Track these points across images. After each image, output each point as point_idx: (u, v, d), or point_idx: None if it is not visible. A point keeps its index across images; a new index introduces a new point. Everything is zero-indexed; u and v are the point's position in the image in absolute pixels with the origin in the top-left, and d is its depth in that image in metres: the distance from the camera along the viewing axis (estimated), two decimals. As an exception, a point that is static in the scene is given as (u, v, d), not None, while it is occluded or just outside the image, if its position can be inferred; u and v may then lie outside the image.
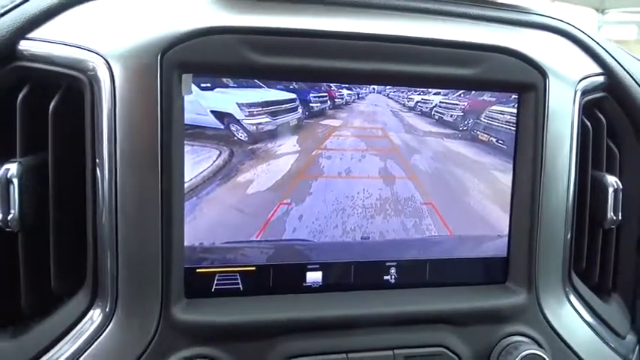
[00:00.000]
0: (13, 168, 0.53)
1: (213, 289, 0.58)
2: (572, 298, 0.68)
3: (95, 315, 0.54)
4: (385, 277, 0.63)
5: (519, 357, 0.59)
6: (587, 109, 0.69)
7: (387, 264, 0.63)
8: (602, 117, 0.71)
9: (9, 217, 0.53)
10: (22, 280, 0.55)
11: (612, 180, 0.70)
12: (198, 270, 0.57)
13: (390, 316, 0.60)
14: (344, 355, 0.57)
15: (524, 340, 0.62)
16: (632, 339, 0.74)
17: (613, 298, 0.75)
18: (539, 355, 0.60)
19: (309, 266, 0.61)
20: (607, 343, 0.69)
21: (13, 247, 0.55)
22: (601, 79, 0.69)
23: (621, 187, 0.70)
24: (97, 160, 0.54)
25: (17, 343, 0.54)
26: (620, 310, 0.74)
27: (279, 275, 0.60)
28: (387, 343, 0.59)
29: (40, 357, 0.54)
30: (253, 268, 0.59)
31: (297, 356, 0.56)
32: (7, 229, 0.53)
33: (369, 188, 0.61)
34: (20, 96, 0.54)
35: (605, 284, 0.74)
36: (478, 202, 0.65)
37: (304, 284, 0.61)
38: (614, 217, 0.70)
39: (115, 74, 0.53)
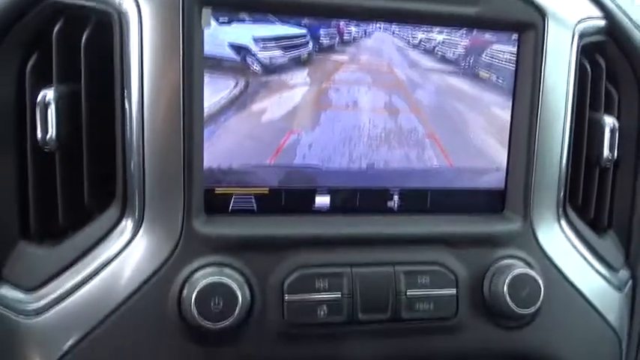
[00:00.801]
0: (50, 94, 0.59)
1: (230, 209, 0.64)
2: (567, 229, 0.72)
3: (124, 227, 0.60)
4: (389, 204, 0.68)
5: (511, 276, 0.64)
6: (587, 52, 0.72)
7: (391, 191, 0.68)
8: (601, 60, 0.74)
9: (47, 137, 0.59)
10: (59, 197, 0.61)
11: (609, 120, 0.73)
12: (216, 191, 0.63)
13: (392, 236, 0.65)
14: (348, 268, 0.63)
15: (518, 263, 0.66)
16: (625, 273, 0.78)
17: (608, 234, 0.79)
18: (531, 275, 0.64)
19: (317, 190, 0.66)
20: (600, 274, 0.74)
21: (51, 166, 0.61)
22: (601, 22, 0.72)
23: (618, 126, 0.74)
24: (125, 90, 0.59)
25: (55, 252, 0.61)
26: (614, 246, 0.78)
27: (290, 198, 0.65)
28: (389, 259, 0.64)
29: (76, 263, 0.60)
30: (266, 191, 0.64)
31: (304, 267, 0.62)
32: (46, 149, 0.60)
33: (375, 120, 0.66)
34: (55, 29, 0.60)
35: (601, 220, 0.78)
36: (478, 137, 0.69)
37: (313, 207, 0.66)
38: (610, 156, 0.74)
39: (141, 9, 0.58)
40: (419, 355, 0.66)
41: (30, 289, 0.60)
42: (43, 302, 0.60)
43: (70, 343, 0.58)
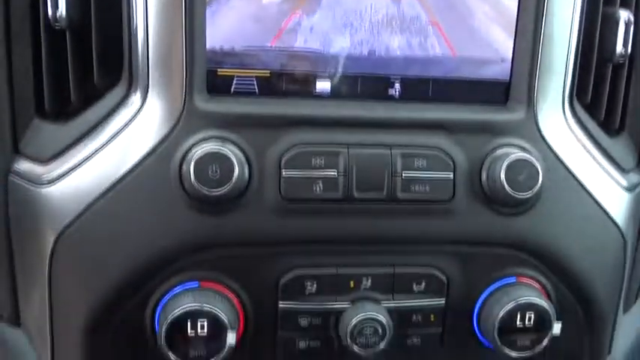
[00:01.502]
0: None
1: (232, 90, 0.65)
2: (573, 124, 0.71)
3: (130, 102, 0.63)
4: (390, 91, 0.68)
5: (509, 160, 0.64)
6: None
7: (392, 79, 0.68)
8: None
9: (57, 14, 0.62)
10: (71, 75, 0.64)
11: (624, 14, 0.71)
12: (219, 72, 0.65)
13: (390, 120, 0.66)
14: (345, 148, 0.64)
15: (518, 150, 0.66)
16: (636, 176, 0.76)
17: (620, 136, 0.77)
18: (529, 160, 0.64)
19: (318, 75, 0.67)
20: (607, 172, 0.73)
21: (63, 45, 0.64)
22: None
23: (633, 21, 0.71)
24: None
25: (67, 127, 0.65)
26: (626, 148, 0.77)
27: (291, 82, 0.66)
28: (386, 141, 0.65)
29: (85, 136, 0.64)
30: (268, 74, 0.66)
31: (302, 144, 0.63)
32: (57, 26, 0.62)
33: (377, 5, 0.66)
34: None
35: (612, 121, 0.76)
36: (483, 25, 0.68)
37: (314, 92, 0.67)
38: (624, 52, 0.72)
39: None
40: (415, 237, 0.67)
41: (44, 161, 0.64)
42: (55, 173, 0.64)
43: (79, 209, 0.62)
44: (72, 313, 0.65)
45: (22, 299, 0.69)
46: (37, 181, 0.64)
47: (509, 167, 0.64)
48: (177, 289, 0.63)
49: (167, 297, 0.63)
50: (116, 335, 0.65)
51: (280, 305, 0.66)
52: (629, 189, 0.75)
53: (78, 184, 0.63)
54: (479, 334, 0.70)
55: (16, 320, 0.70)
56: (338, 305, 0.66)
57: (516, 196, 0.64)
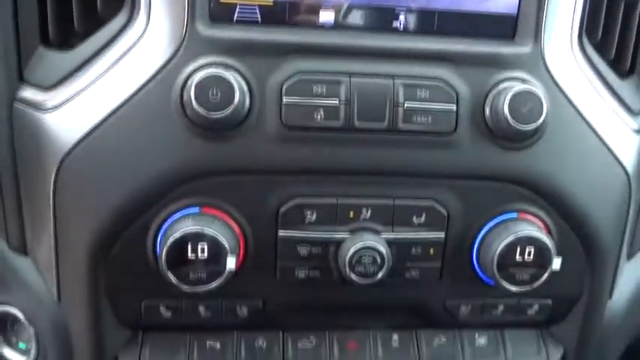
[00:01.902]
0: None
1: (234, 19, 0.65)
2: (581, 61, 0.70)
3: (132, 28, 0.63)
4: (394, 23, 0.67)
5: (513, 92, 0.63)
6: None
7: (397, 10, 0.67)
8: None
9: None
10: (75, 4, 0.65)
11: None
12: (221, 0, 0.64)
13: (394, 50, 0.65)
14: (346, 77, 0.64)
15: (523, 84, 0.65)
16: (645, 120, 0.75)
17: (631, 78, 0.76)
18: (533, 92, 0.63)
19: (322, 5, 0.66)
20: (616, 113, 0.72)
21: None
22: None
23: None
24: None
25: (71, 54, 0.65)
26: (636, 90, 0.75)
27: (294, 11, 0.66)
28: (389, 71, 0.64)
29: (89, 62, 0.64)
30: (271, 2, 0.65)
31: (303, 72, 0.63)
32: None
33: None
34: None
35: (623, 62, 0.75)
36: (491, -43, 0.67)
37: (317, 22, 0.66)
38: None
39: None
40: (415, 169, 0.67)
41: (47, 88, 0.65)
42: (58, 99, 0.64)
43: (81, 135, 0.63)
44: (76, 239, 0.66)
45: (28, 227, 0.71)
46: (41, 108, 0.65)
47: (513, 98, 0.63)
48: (178, 215, 0.64)
49: (168, 222, 0.64)
50: (119, 259, 0.66)
51: (280, 234, 0.66)
52: (638, 131, 0.74)
53: (80, 110, 0.64)
54: (478, 270, 0.70)
55: (23, 249, 0.72)
56: (337, 235, 0.67)
57: (519, 128, 0.63)
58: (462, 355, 0.77)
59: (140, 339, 0.73)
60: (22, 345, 0.77)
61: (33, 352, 0.75)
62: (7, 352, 0.76)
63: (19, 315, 0.74)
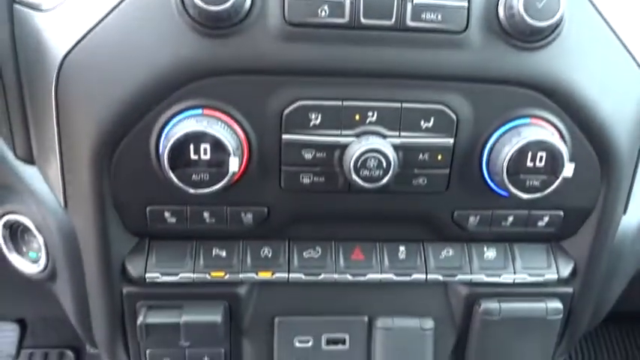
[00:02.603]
0: None
1: None
2: None
3: None
4: None
5: None
6: None
7: None
8: None
9: None
10: None
11: None
12: None
13: None
14: None
15: None
16: None
17: None
18: None
19: None
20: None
21: None
22: None
23: None
24: None
25: None
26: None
27: None
28: None
29: None
30: None
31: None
32: None
33: None
34: None
35: None
36: None
37: None
38: None
39: None
40: (424, 70, 0.64)
41: None
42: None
43: (81, 33, 0.62)
44: (79, 142, 0.66)
45: (33, 136, 0.71)
46: (40, 7, 0.64)
47: None
48: (181, 116, 0.63)
49: (171, 123, 0.63)
50: (123, 163, 0.66)
51: (284, 137, 0.65)
52: None
53: (80, 8, 0.62)
54: (487, 178, 0.68)
55: (30, 158, 0.72)
56: (342, 139, 0.65)
57: (534, 24, 0.60)
58: (469, 267, 0.76)
59: (147, 246, 0.73)
60: (32, 254, 0.78)
61: (43, 260, 0.76)
62: (18, 260, 0.78)
63: (29, 223, 0.74)
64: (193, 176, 0.62)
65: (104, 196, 0.67)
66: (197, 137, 0.61)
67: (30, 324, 1.59)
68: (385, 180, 0.64)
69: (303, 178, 0.67)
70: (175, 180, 0.63)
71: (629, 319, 1.66)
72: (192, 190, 0.63)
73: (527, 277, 0.77)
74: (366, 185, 0.64)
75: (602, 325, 1.68)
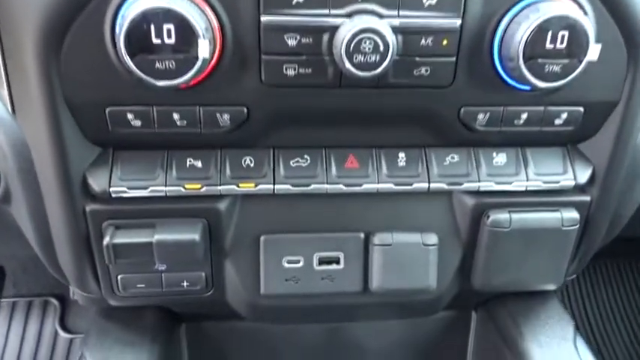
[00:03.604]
0: None
1: None
2: None
3: None
4: None
5: None
6: None
7: None
8: None
9: None
10: None
11: None
12: None
13: None
14: None
15: None
16: None
17: None
18: None
19: None
20: None
21: None
22: None
23: None
24: None
25: None
26: None
27: None
28: None
29: None
30: None
31: None
32: None
33: None
34: None
35: None
36: None
37: None
38: None
39: None
40: None
41: None
42: None
43: None
44: (22, 29, 0.55)
45: None
46: None
47: None
48: (138, -7, 0.53)
49: (127, 2, 0.53)
50: (74, 53, 0.56)
51: (262, 18, 0.55)
52: None
53: None
54: (499, 66, 0.59)
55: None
56: (332, 19, 0.55)
57: None
58: (477, 174, 0.68)
59: (111, 156, 0.64)
60: (-17, 175, 0.69)
61: (-5, 179, 0.67)
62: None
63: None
64: (157, 64, 0.53)
65: (55, 96, 0.58)
66: (158, 16, 0.51)
67: (10, 273, 1.52)
68: (382, 67, 0.55)
69: (286, 69, 0.58)
70: (135, 69, 0.53)
71: (624, 255, 1.64)
72: (156, 82, 0.54)
73: (541, 184, 0.69)
74: (361, 74, 0.55)
75: (599, 262, 1.66)
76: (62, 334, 1.47)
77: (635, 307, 1.59)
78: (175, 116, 0.60)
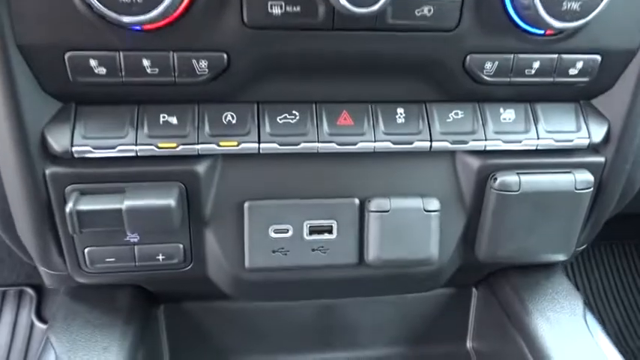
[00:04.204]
0: None
1: None
2: None
3: None
4: None
5: None
6: None
7: None
8: None
9: None
10: None
11: None
12: None
13: None
14: None
15: None
16: None
17: None
18: None
19: None
20: None
21: None
22: None
23: None
24: None
25: None
26: None
27: None
28: None
29: None
30: None
31: None
32: None
33: None
34: None
35: None
36: None
37: None
38: None
39: None
40: None
41: None
42: None
43: None
44: None
45: None
46: None
47: None
48: None
49: None
50: None
51: None
52: None
53: None
54: (510, 6, 0.53)
55: None
56: None
57: None
58: (483, 132, 0.61)
59: (73, 111, 0.56)
60: None
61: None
62: None
63: None
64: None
65: (5, 38, 0.50)
66: None
67: (-19, 262, 1.45)
68: (381, 2, 0.48)
69: (271, 7, 0.51)
70: (96, 3, 0.46)
71: (621, 238, 1.60)
72: (120, 18, 0.46)
73: (553, 142, 0.62)
74: (356, 10, 0.48)
75: (595, 246, 1.62)
76: (38, 324, 1.40)
77: (629, 288, 1.56)
78: (145, 62, 0.53)
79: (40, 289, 1.46)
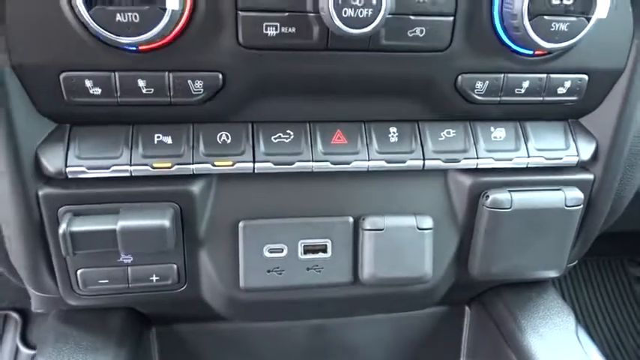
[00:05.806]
0: None
1: None
2: None
3: None
4: None
5: None
6: None
7: None
8: None
9: None
10: None
11: None
12: None
13: None
14: None
15: None
16: None
17: None
18: None
19: None
20: None
21: None
22: None
23: None
24: None
25: None
26: None
27: None
28: None
29: None
30: None
31: None
32: None
33: None
34: None
35: None
36: None
37: None
38: None
39: None
40: None
41: None
42: None
43: None
44: None
45: None
46: None
47: None
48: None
49: None
50: (19, 2, 0.49)
51: None
52: None
53: None
54: (500, 27, 0.54)
55: None
56: None
57: None
58: (475, 150, 0.62)
59: (67, 132, 0.56)
60: None
61: None
62: None
63: None
64: (118, 17, 0.46)
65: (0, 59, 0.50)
66: None
67: (-34, 286, 1.42)
68: (375, 24, 0.49)
69: (266, 28, 0.51)
70: (93, 23, 0.46)
71: (607, 254, 1.62)
72: (117, 39, 0.47)
73: (543, 160, 0.64)
74: (351, 31, 0.49)
75: (582, 262, 1.64)
76: (23, 349, 1.37)
77: (616, 303, 1.57)
78: (141, 83, 0.53)
79: (25, 314, 1.43)
